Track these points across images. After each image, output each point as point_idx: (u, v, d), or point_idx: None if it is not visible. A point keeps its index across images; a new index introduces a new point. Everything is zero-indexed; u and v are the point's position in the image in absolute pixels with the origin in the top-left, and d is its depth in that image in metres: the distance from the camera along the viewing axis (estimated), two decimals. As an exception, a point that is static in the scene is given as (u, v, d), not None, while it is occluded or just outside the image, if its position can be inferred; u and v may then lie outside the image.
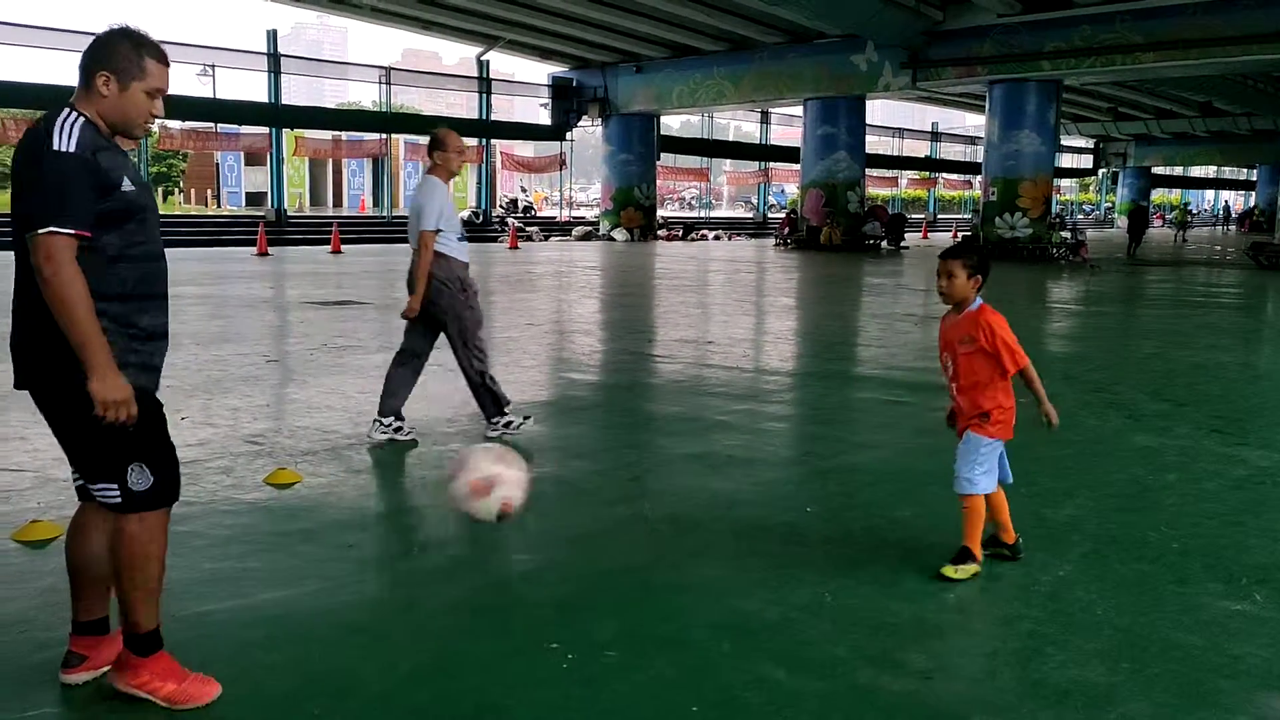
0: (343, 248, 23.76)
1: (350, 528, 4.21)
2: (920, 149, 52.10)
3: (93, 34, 2.71)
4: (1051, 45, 23.98)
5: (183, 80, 29.43)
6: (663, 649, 3.13)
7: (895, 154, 49.23)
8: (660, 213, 37.21)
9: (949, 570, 3.72)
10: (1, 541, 3.87)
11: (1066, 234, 26.21)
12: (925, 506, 4.63)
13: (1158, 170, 58.66)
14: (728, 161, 49.41)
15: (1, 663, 2.94)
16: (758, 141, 43.77)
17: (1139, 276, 21.22)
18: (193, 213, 36.75)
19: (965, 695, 2.89)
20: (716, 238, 36.26)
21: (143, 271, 2.68)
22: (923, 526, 4.30)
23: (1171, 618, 3.44)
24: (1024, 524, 4.33)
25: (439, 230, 5.56)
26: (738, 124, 66.29)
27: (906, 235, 32.23)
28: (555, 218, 39.65)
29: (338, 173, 47.66)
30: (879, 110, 54.91)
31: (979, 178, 30.99)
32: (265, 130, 28.88)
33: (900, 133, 50.47)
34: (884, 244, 29.89)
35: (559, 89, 33.86)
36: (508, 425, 5.86)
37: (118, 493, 2.65)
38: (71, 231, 2.47)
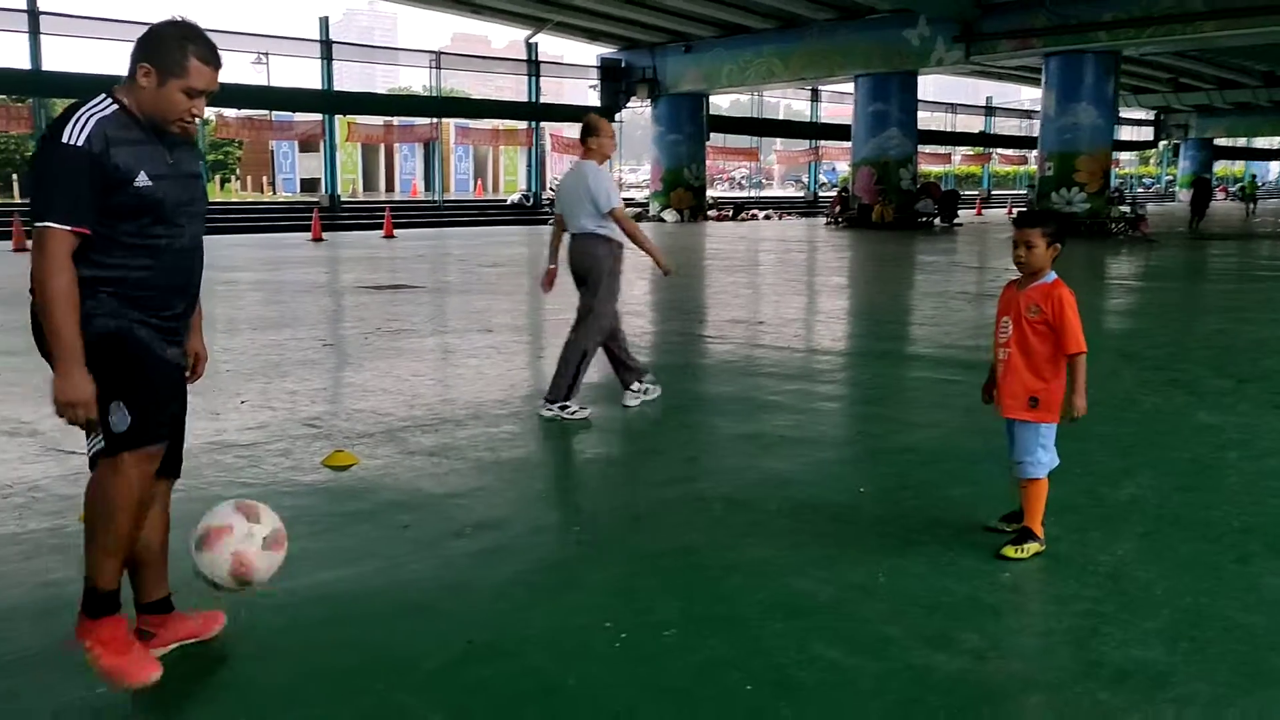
0: (395, 232, 24.00)
1: (406, 508, 4.28)
2: (974, 124, 51.26)
3: (147, 24, 2.71)
4: (1109, 15, 23.43)
5: (237, 69, 29.87)
6: (717, 628, 3.15)
7: (948, 130, 48.46)
8: (710, 193, 37.08)
9: (1010, 551, 3.69)
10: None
11: (1126, 208, 25.67)
12: (978, 486, 4.59)
13: (1220, 142, 57.14)
14: (778, 140, 48.98)
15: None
16: (808, 119, 43.35)
17: (1201, 251, 20.73)
18: (249, 200, 37.33)
19: (1021, 674, 2.87)
20: (767, 217, 36.04)
21: (160, 264, 2.66)
22: (976, 506, 4.26)
23: (1233, 597, 3.38)
24: (1081, 503, 4.29)
25: (611, 209, 5.79)
26: (788, 102, 65.75)
27: (960, 212, 31.77)
28: (605, 199, 39.59)
29: (389, 158, 48.11)
30: (931, 86, 54.05)
31: (1034, 153, 30.44)
32: (318, 117, 29.21)
33: (953, 108, 49.69)
34: (937, 221, 29.50)
35: (608, 70, 33.80)
36: (563, 410, 5.91)
37: (102, 439, 2.64)
38: (67, 227, 2.48)
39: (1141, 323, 10.65)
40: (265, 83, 29.23)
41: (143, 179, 2.56)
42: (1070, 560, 3.70)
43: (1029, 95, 53.86)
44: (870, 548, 3.83)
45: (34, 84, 23.50)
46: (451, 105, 36.36)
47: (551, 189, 37.96)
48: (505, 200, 36.62)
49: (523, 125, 34.66)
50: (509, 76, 39.73)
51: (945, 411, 6.22)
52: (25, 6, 22.82)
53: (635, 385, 6.20)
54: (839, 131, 39.34)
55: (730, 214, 35.13)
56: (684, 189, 33.37)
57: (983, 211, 39.28)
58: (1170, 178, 61.73)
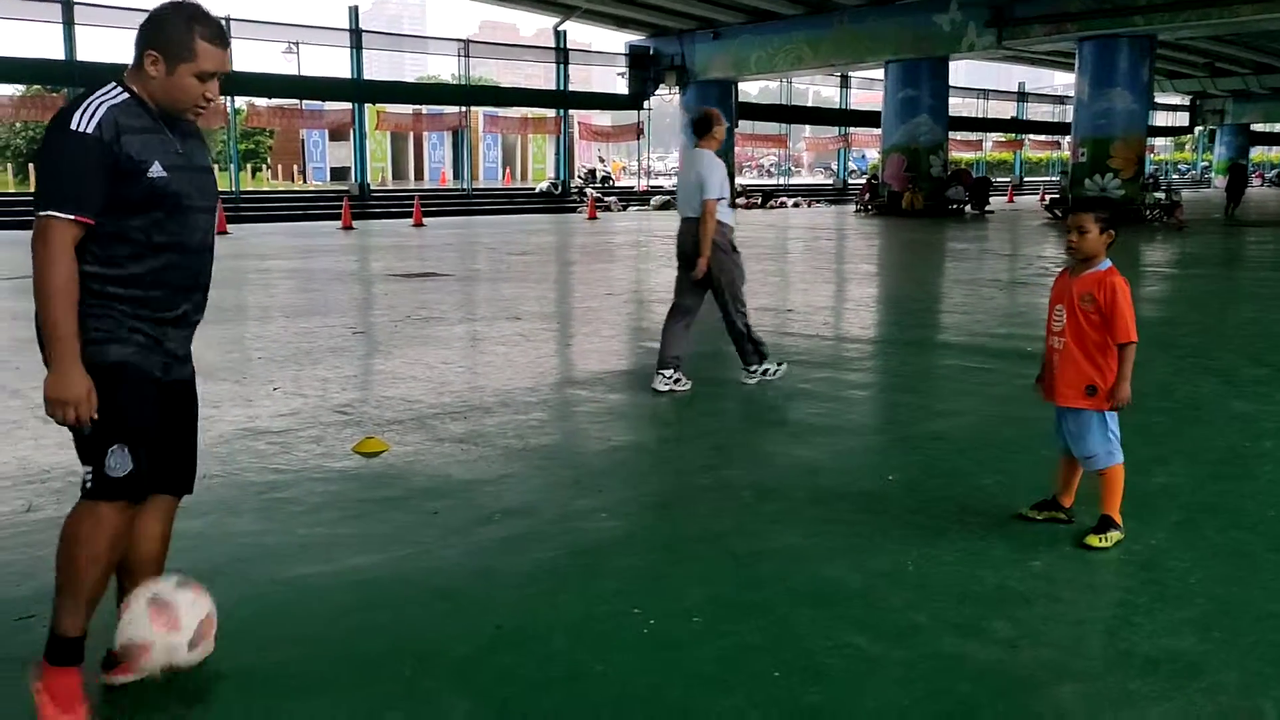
0: (424, 220, 24.10)
1: (435, 495, 4.31)
2: (1006, 110, 50.69)
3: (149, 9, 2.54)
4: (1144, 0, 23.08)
5: (268, 58, 30.06)
6: (745, 615, 3.15)
7: (980, 116, 47.96)
8: (739, 180, 36.93)
9: (1094, 540, 3.66)
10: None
11: (1160, 195, 25.33)
12: (1009, 475, 4.56)
13: (1257, 127, 56.17)
14: (807, 128, 48.68)
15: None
16: (837, 106, 43.05)
17: (1238, 238, 20.43)
18: (280, 189, 37.57)
19: (1052, 663, 2.85)
20: (796, 205, 35.87)
21: (168, 262, 2.52)
22: (1007, 495, 4.23)
23: (1267, 586, 3.35)
24: (1114, 492, 4.24)
25: (720, 199, 6.11)
26: (817, 89, 65.31)
27: (991, 199, 31.48)
28: (633, 187, 39.60)
29: (418, 146, 48.23)
30: (962, 71, 53.53)
31: (1068, 138, 30.07)
32: (348, 106, 29.35)
33: (985, 94, 49.16)
34: (968, 208, 29.25)
35: (636, 58, 33.72)
36: (765, 372, 6.40)
37: (92, 477, 2.50)
38: (71, 217, 2.36)
39: (1176, 310, 10.52)
40: (296, 72, 29.38)
41: (156, 169, 2.44)
42: (1103, 549, 3.67)
43: (1062, 80, 53.18)
44: (899, 536, 3.82)
45: (66, 74, 23.65)
46: (480, 93, 36.38)
47: (579, 177, 37.95)
48: (534, 188, 36.65)
49: (551, 113, 34.65)
50: (537, 64, 39.75)
51: (975, 399, 6.18)
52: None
53: (668, 371, 6.33)
54: (869, 118, 39.05)
55: (759, 202, 34.99)
56: (713, 177, 33.22)
57: (1014, 198, 38.89)
58: (1206, 164, 60.81)
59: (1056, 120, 50.96)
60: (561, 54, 33.22)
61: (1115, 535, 3.70)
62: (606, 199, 33.21)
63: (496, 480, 4.52)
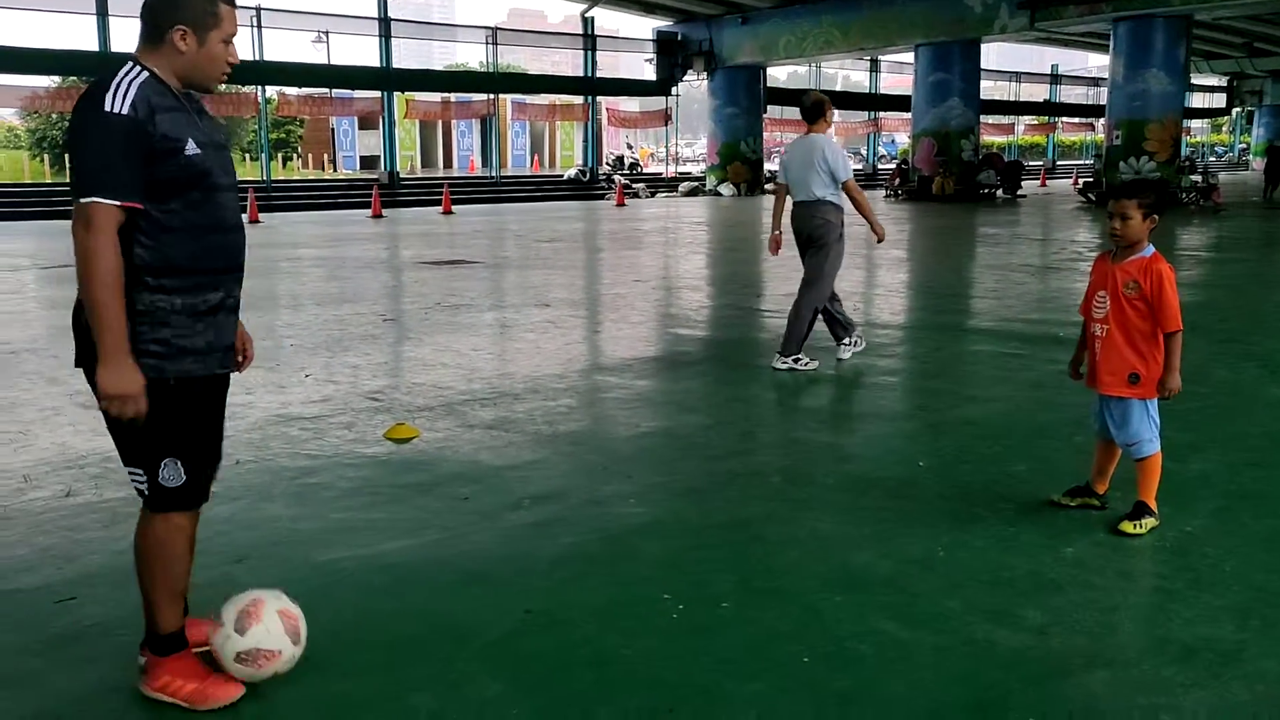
0: (453, 208, 24.17)
1: (466, 480, 4.33)
2: (1039, 93, 50.08)
3: None
4: (1181, -22, 22.69)
5: (298, 48, 30.20)
6: (774, 601, 3.15)
7: (1012, 99, 47.40)
8: (767, 166, 36.71)
9: (1129, 526, 3.63)
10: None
11: (1197, 177, 24.94)
12: (1041, 461, 4.52)
13: (1297, 108, 55.15)
14: (836, 112, 48.40)
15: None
16: (867, 91, 42.70)
17: (1276, 221, 20.09)
18: (310, 177, 37.81)
19: (1085, 650, 2.83)
20: (825, 190, 35.60)
21: (208, 244, 2.47)
22: (1039, 481, 4.20)
23: (1307, 575, 3.30)
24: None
25: (847, 180, 6.43)
26: (846, 73, 64.77)
27: (1023, 183, 31.14)
28: (661, 174, 39.52)
29: (447, 134, 48.35)
30: (994, 54, 52.91)
31: (1102, 121, 29.67)
32: (377, 94, 29.45)
33: (1017, 77, 48.57)
34: (999, 193, 28.94)
35: (664, 43, 33.58)
36: (802, 364, 6.45)
37: (145, 482, 2.49)
38: (117, 203, 2.29)
39: (1213, 295, 10.36)
40: (325, 61, 29.50)
41: (191, 147, 2.39)
42: (1138, 535, 3.63)
43: (1096, 62, 52.46)
44: (930, 522, 3.80)
45: (101, 64, 23.92)
46: (508, 81, 36.38)
47: (607, 164, 37.89)
48: (562, 175, 36.65)
49: (579, 100, 34.61)
50: (565, 51, 39.72)
51: (1007, 385, 6.13)
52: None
53: (846, 340, 6.69)
54: (899, 102, 38.68)
55: (787, 187, 34.78)
56: (741, 162, 33.11)
57: (1047, 182, 38.44)
58: (1244, 146, 59.80)
59: (1090, 103, 50.30)
60: (589, 40, 33.15)
61: (1150, 522, 3.66)
62: (634, 185, 33.16)
63: (526, 466, 4.53)
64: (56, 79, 28.26)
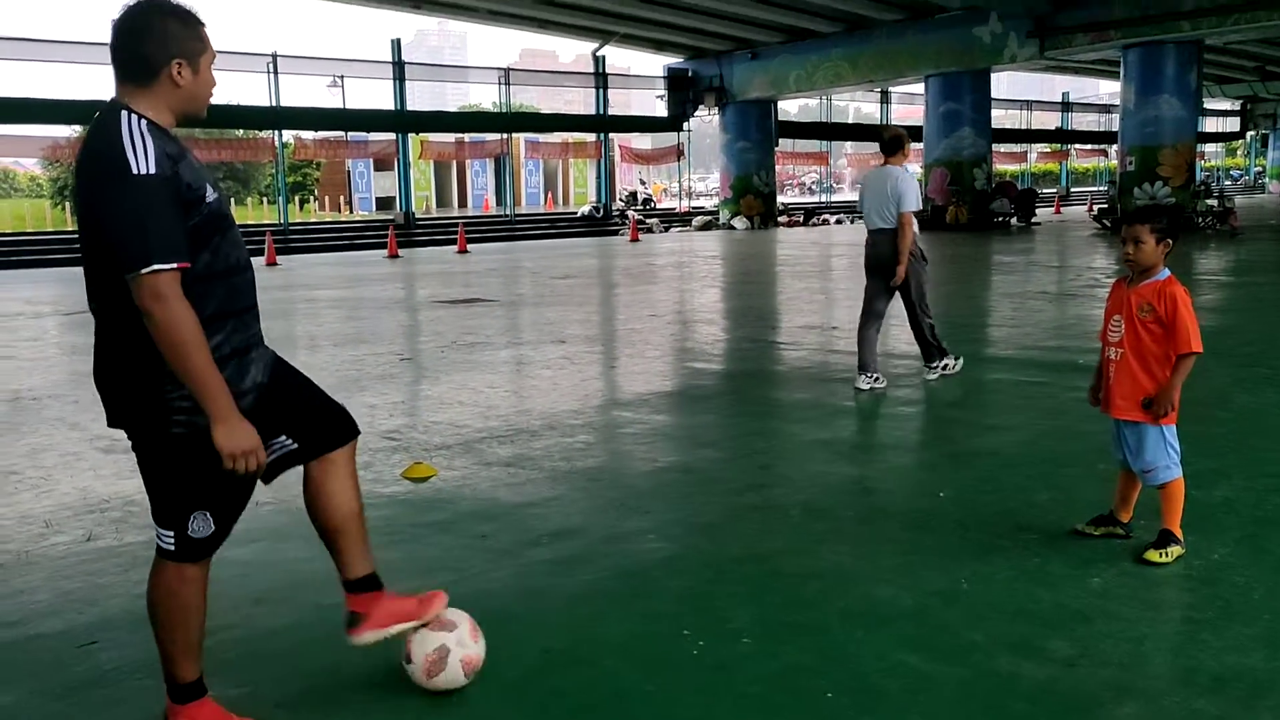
0: (469, 247, 24.31)
1: (484, 518, 4.32)
2: (1050, 121, 50.11)
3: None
4: (1191, 4, 22.73)
5: (314, 92, 30.71)
6: (796, 635, 3.12)
7: (1023, 128, 47.48)
8: (780, 199, 36.83)
9: (1154, 555, 3.59)
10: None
11: (1213, 201, 24.86)
12: (1064, 490, 4.48)
13: (1312, 131, 54.98)
14: (848, 144, 48.51)
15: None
16: (878, 122, 42.88)
17: (1294, 244, 19.98)
18: (327, 219, 38.15)
19: (1112, 682, 2.78)
20: (839, 222, 35.68)
21: (230, 286, 2.44)
22: (1063, 510, 4.15)
23: (1338, 602, 3.24)
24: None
25: (905, 210, 6.64)
26: (857, 105, 65.13)
27: (1037, 211, 31.10)
28: (675, 209, 39.68)
29: (461, 174, 48.71)
30: (1005, 83, 53.08)
31: (1115, 147, 29.64)
32: (392, 136, 29.78)
33: (1028, 105, 48.68)
34: (1014, 221, 28.92)
35: (675, 80, 33.84)
36: (944, 368, 7.02)
37: (173, 540, 2.47)
38: (174, 266, 2.23)
39: (1233, 319, 10.29)
40: (341, 105, 29.88)
41: (210, 193, 2.36)
42: (1163, 564, 3.58)
43: (1107, 89, 52.55)
44: (952, 553, 3.76)
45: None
46: (521, 120, 36.72)
47: (620, 199, 38.09)
48: (576, 212, 36.85)
49: (591, 137, 34.87)
50: (577, 90, 40.07)
51: (1027, 414, 6.09)
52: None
53: (869, 374, 6.83)
54: (910, 133, 38.72)
55: (801, 219, 34.88)
56: (754, 196, 33.22)
57: (1061, 209, 38.39)
58: (1259, 169, 59.63)
59: (1102, 129, 50.30)
60: (600, 79, 33.44)
61: (1176, 550, 3.61)
62: (648, 221, 33.30)
63: (544, 503, 4.52)
64: (77, 128, 28.72)
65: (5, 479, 5.07)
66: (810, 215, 35.96)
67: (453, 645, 2.77)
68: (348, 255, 23.92)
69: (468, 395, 6.95)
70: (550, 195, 49.66)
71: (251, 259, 2.61)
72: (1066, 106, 49.87)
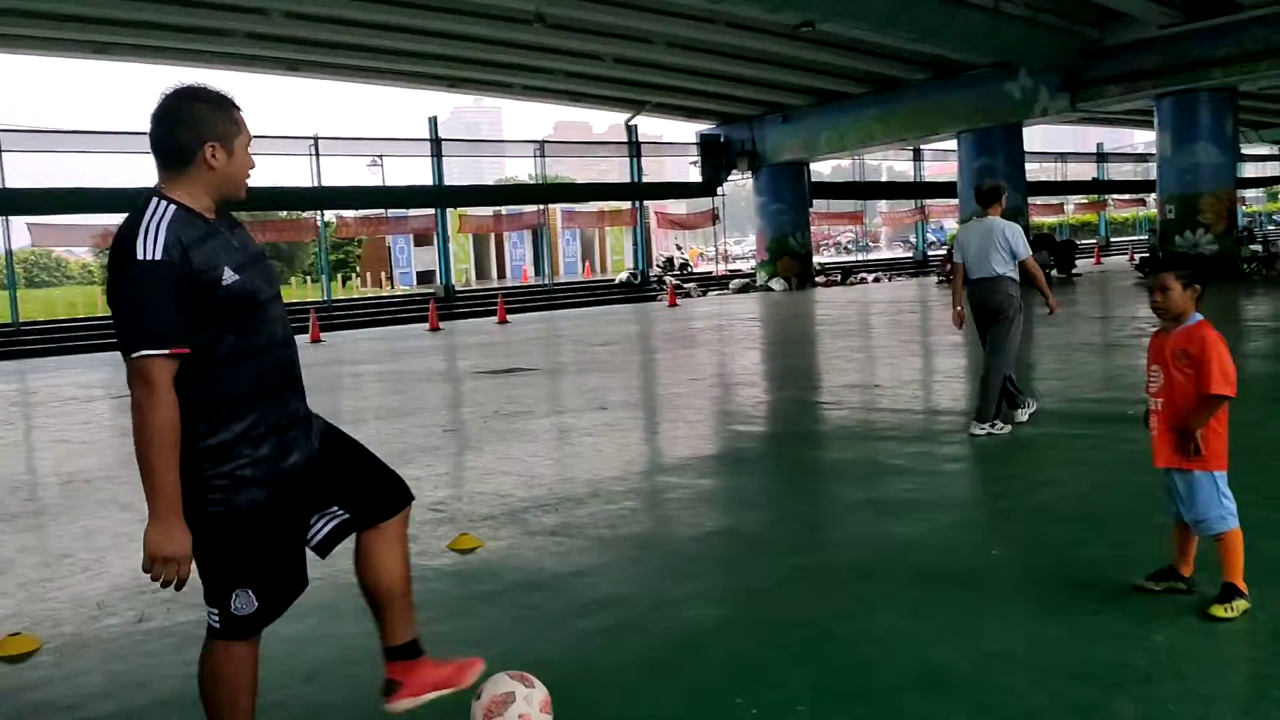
0: (508, 317, 24.55)
1: (531, 588, 4.30)
2: (1086, 172, 49.99)
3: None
4: (1223, 52, 22.69)
5: (355, 171, 31.53)
6: (851, 701, 3.05)
7: (1059, 179, 47.41)
8: (816, 259, 36.91)
9: (1219, 610, 3.49)
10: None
11: (1257, 247, 24.55)
12: (1122, 545, 4.38)
13: (1354, 172, 54.35)
14: (882, 202, 48.74)
15: None
16: (911, 179, 43.02)
17: (1344, 286, 19.62)
18: (369, 295, 38.78)
19: (1183, 745, 2.69)
20: (876, 280, 35.65)
21: (262, 365, 2.45)
22: (1121, 566, 4.05)
23: None
24: (1235, 558, 4.03)
25: (1026, 258, 6.99)
26: (890, 163, 65.41)
27: (1078, 262, 30.89)
28: (712, 272, 39.89)
29: (499, 246, 49.40)
30: (1038, 136, 53.13)
31: (1153, 196, 29.45)
32: (431, 211, 30.36)
33: (1063, 157, 48.66)
34: (1054, 273, 28.73)
35: (707, 146, 34.25)
36: (994, 426, 6.91)
37: (219, 618, 2.48)
38: (165, 352, 2.26)
39: (1284, 364, 10.10)
40: (381, 182, 30.60)
41: (228, 275, 2.37)
42: (1229, 619, 3.48)
43: (1142, 139, 52.41)
44: (1007, 613, 3.68)
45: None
46: (556, 191, 37.29)
47: (657, 265, 38.34)
48: (614, 279, 37.16)
49: (627, 205, 35.28)
50: (611, 159, 40.66)
51: (1077, 467, 5.98)
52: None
53: (1021, 410, 7.20)
54: (944, 189, 38.88)
55: (838, 279, 34.90)
56: (790, 257, 33.32)
57: (1102, 260, 38.09)
58: (1302, 212, 58.89)
59: (1139, 179, 50.07)
60: (634, 147, 33.93)
61: (1241, 604, 3.51)
62: (686, 285, 33.46)
63: (590, 571, 4.49)
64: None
65: (59, 562, 5.14)
66: (848, 274, 35.97)
67: (520, 698, 2.80)
68: (390, 330, 24.24)
69: (511, 464, 6.96)
70: (588, 263, 50.15)
71: (295, 336, 2.63)
72: (1102, 157, 49.81)
